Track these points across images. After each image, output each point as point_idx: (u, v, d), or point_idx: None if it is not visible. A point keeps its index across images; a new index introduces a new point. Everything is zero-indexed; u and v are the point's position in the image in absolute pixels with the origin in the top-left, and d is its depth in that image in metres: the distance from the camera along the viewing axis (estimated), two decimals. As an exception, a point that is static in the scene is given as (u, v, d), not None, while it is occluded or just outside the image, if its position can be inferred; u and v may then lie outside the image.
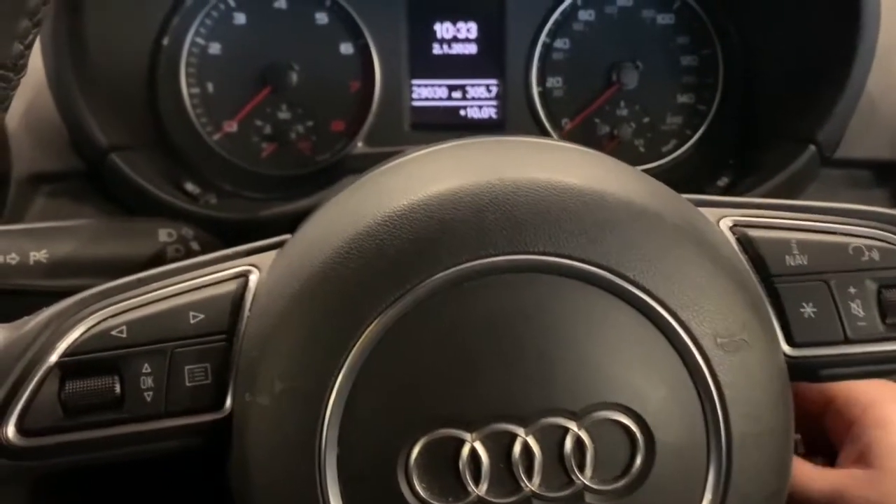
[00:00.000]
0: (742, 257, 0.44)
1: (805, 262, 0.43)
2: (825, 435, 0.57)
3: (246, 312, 0.43)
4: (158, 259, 0.63)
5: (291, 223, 0.81)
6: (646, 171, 0.95)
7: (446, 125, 0.96)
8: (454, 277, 0.37)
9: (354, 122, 0.95)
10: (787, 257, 0.44)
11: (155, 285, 0.44)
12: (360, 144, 0.95)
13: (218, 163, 0.92)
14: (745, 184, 0.82)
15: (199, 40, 0.91)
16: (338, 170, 0.94)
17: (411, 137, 0.96)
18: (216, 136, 0.93)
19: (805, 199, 0.81)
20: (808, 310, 0.43)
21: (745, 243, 0.44)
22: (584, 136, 0.96)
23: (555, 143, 0.47)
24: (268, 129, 0.94)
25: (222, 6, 0.91)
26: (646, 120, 0.96)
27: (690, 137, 0.96)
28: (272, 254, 0.46)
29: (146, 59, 0.86)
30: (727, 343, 0.38)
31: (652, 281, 0.38)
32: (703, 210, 0.46)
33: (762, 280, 0.43)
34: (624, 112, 0.96)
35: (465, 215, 0.38)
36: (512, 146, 0.46)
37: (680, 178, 0.93)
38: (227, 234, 0.72)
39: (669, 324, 0.38)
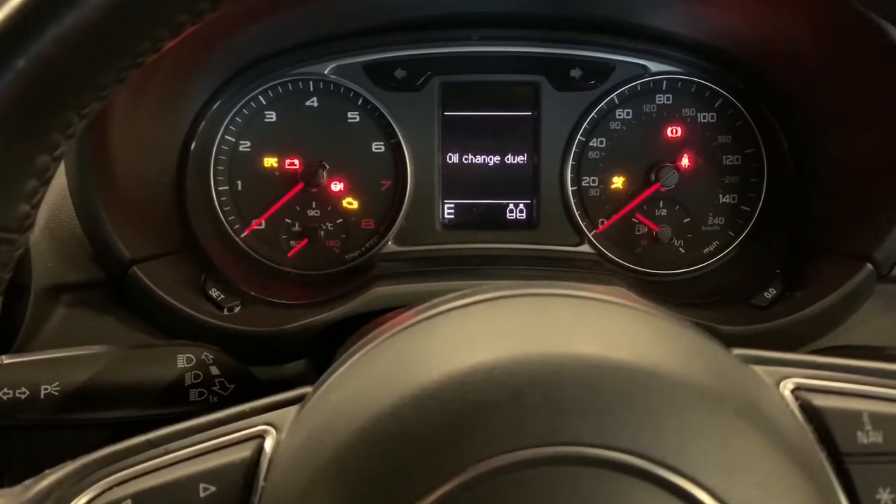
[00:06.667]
0: (808, 430, 0.39)
1: (880, 440, 0.39)
2: None
3: (261, 482, 0.39)
4: (177, 386, 0.60)
5: (315, 338, 0.79)
6: (687, 274, 0.94)
7: (479, 225, 0.93)
8: (488, 471, 0.33)
9: (385, 221, 0.92)
10: (858, 433, 0.39)
11: (165, 448, 0.41)
12: (390, 243, 0.92)
13: (244, 264, 0.90)
14: (795, 298, 0.77)
15: (230, 138, 0.89)
16: (366, 269, 0.91)
17: (443, 237, 0.93)
18: (244, 234, 0.91)
19: (860, 316, 0.76)
20: (886, 496, 0.38)
21: (811, 413, 0.40)
22: (621, 235, 0.93)
23: (603, 300, 0.43)
24: (297, 227, 0.92)
25: (253, 105, 0.90)
26: (686, 220, 0.92)
27: (734, 240, 0.92)
28: (291, 411, 0.42)
29: (174, 165, 0.84)
30: None
31: (712, 478, 0.34)
32: (760, 370, 0.42)
33: (831, 458, 0.39)
34: (663, 212, 0.92)
35: (501, 398, 0.35)
36: (554, 306, 0.42)
37: (724, 285, 0.89)
38: (249, 350, 0.70)
39: None
